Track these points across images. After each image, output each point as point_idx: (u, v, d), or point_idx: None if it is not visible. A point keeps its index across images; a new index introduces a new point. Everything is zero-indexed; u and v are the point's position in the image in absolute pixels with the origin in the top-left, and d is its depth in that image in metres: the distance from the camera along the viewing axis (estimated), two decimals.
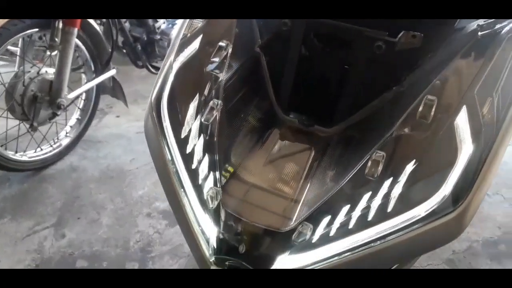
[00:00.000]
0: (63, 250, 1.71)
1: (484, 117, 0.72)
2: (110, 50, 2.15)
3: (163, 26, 2.49)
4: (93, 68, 2.17)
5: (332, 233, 0.71)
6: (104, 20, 2.20)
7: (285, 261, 0.72)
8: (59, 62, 1.87)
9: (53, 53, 1.95)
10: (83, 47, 2.07)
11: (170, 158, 0.80)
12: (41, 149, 2.09)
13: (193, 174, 0.78)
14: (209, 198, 0.75)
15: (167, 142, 0.80)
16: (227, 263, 0.73)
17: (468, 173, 0.69)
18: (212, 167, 0.77)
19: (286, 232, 0.72)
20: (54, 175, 2.08)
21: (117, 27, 2.19)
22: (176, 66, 0.85)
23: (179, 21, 2.55)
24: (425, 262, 1.70)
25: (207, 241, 0.75)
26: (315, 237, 0.71)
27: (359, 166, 0.72)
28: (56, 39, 1.84)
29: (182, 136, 0.80)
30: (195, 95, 0.81)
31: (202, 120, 0.79)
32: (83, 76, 2.20)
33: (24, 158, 2.01)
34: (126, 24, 2.39)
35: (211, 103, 0.79)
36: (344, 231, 0.71)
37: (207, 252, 0.75)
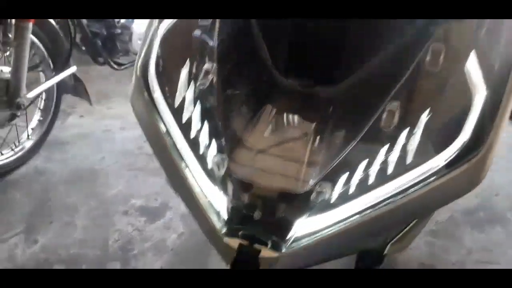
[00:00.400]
0: (37, 256, 1.57)
1: (494, 59, 0.69)
2: (68, 46, 2.01)
3: (123, 20, 2.36)
4: (52, 66, 2.01)
5: (351, 191, 0.66)
6: None
7: (304, 225, 0.66)
8: (15, 59, 1.71)
9: (7, 53, 1.80)
10: (39, 44, 1.92)
11: (164, 130, 0.71)
12: (2, 154, 1.92)
13: (193, 144, 0.70)
14: (215, 166, 0.67)
15: (159, 114, 0.72)
16: (240, 233, 0.66)
17: (485, 117, 0.66)
18: (214, 134, 0.69)
19: (303, 194, 0.66)
20: (19, 181, 1.92)
21: (75, 22, 2.05)
22: (161, 32, 0.77)
23: None
24: None
25: (217, 214, 0.68)
26: (334, 196, 0.66)
27: (373, 119, 0.67)
28: (10, 35, 1.69)
29: (176, 106, 0.72)
30: (186, 61, 0.73)
31: (197, 85, 0.71)
32: (42, 75, 2.04)
33: None
34: (84, 19, 2.24)
35: (205, 66, 0.72)
36: (364, 188, 0.65)
37: (218, 224, 0.67)
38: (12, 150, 1.96)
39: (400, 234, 0.79)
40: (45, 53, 1.96)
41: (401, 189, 0.65)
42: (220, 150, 0.68)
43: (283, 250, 0.65)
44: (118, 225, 1.72)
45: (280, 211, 0.66)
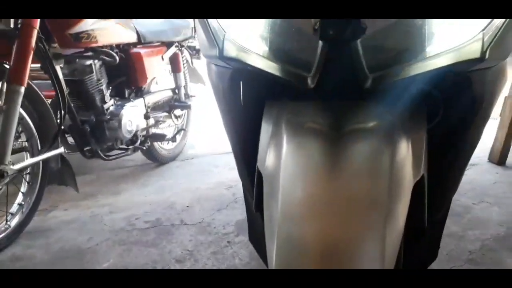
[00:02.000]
0: None
1: None
2: (57, 125, 1.91)
3: (111, 108, 2.33)
4: (39, 146, 1.88)
5: None
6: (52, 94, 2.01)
7: None
8: (3, 124, 1.58)
9: None
10: (29, 120, 1.81)
11: None
12: None
13: None
14: None
15: None
16: None
17: None
18: None
19: None
20: None
21: (66, 102, 1.97)
22: None
23: (128, 104, 2.41)
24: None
25: None
26: None
27: None
28: None
29: None
30: None
31: None
32: (27, 156, 1.88)
33: None
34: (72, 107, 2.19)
35: None
36: None
37: None
38: None
39: (499, 31, 0.55)
40: (34, 129, 1.83)
41: None
42: None
43: None
44: None
45: None
